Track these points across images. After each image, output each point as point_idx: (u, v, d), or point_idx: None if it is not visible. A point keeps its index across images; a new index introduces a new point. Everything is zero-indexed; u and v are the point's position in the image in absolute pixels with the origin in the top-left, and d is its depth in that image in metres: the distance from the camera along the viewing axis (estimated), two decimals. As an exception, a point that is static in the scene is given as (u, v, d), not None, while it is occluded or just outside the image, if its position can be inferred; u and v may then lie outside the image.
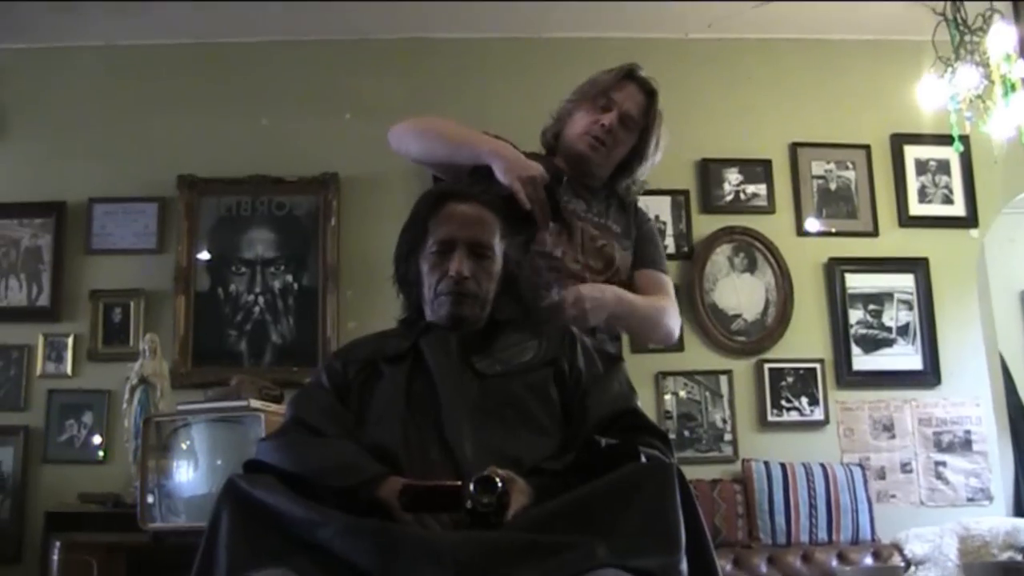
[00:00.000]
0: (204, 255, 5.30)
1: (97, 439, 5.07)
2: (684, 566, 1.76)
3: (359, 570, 1.71)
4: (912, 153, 5.59)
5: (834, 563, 4.72)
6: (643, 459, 1.97)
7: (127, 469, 4.50)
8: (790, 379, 5.31)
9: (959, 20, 4.64)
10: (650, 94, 2.99)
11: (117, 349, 5.14)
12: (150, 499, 3.79)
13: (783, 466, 4.99)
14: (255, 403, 3.76)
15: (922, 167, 5.59)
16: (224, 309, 5.24)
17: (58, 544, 3.93)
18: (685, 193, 5.47)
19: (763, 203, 5.50)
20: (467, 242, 2.30)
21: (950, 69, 4.67)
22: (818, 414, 5.29)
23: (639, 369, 4.91)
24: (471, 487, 1.86)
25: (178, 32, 5.42)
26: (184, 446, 3.84)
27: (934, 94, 4.90)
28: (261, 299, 5.24)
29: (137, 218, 5.33)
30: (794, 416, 5.29)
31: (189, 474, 3.81)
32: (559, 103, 3.03)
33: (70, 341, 5.18)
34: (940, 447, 5.29)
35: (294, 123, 5.42)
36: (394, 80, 5.47)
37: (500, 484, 1.87)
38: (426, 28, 5.48)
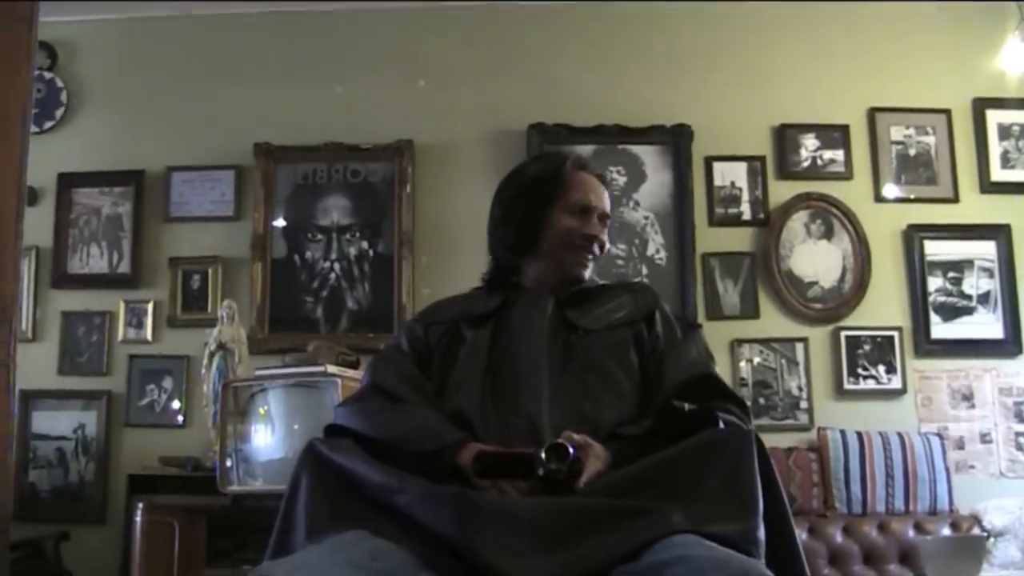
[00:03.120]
0: (280, 222, 5.35)
1: (176, 404, 5.15)
2: (761, 533, 1.75)
3: (438, 536, 1.72)
4: (995, 118, 5.46)
5: (911, 533, 4.67)
6: (721, 425, 1.96)
7: (206, 433, 4.57)
8: (867, 347, 5.24)
9: (1046, -19, 4.54)
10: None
11: (196, 315, 5.21)
12: (229, 463, 3.85)
13: (859, 435, 4.94)
14: (332, 369, 3.79)
15: (1005, 132, 5.47)
16: (300, 276, 5.29)
17: (141, 506, 4.01)
18: (761, 159, 5.41)
19: (840, 169, 5.42)
20: (600, 211, 2.40)
21: (1036, 31, 4.58)
22: (895, 383, 5.22)
23: (715, 336, 4.85)
24: (543, 454, 1.87)
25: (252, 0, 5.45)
26: (262, 411, 3.89)
27: (1019, 57, 4.81)
28: (337, 266, 5.28)
29: (214, 186, 5.39)
30: (871, 384, 5.22)
31: (267, 438, 3.85)
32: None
33: (150, 307, 5.27)
34: (1021, 417, 5.20)
35: (369, 90, 5.44)
36: (467, 46, 5.48)
37: (572, 451, 1.87)
38: (500, -7, 5.48)
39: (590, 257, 2.38)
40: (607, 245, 2.43)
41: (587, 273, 2.39)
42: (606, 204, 2.42)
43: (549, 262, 2.35)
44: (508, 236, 2.41)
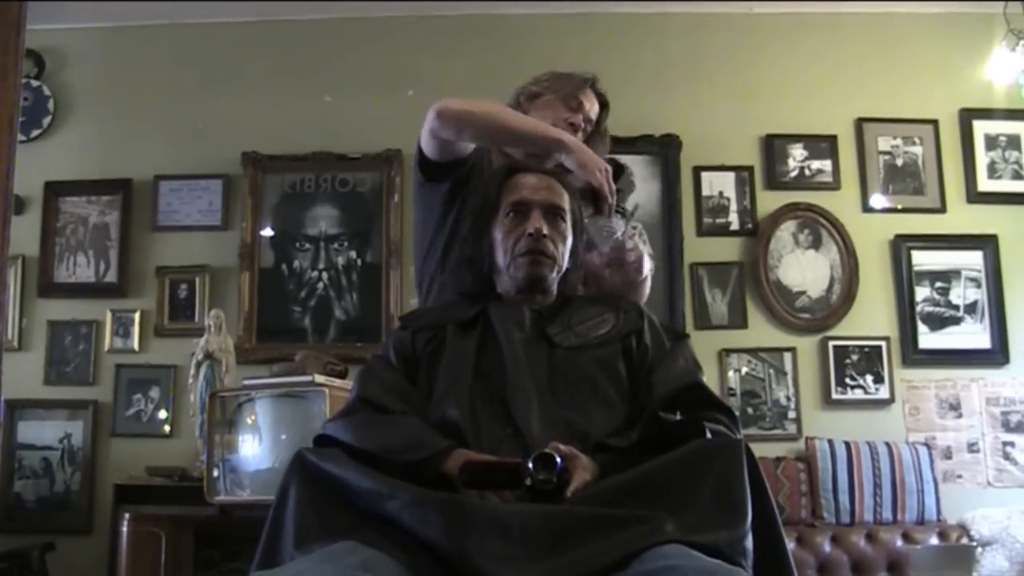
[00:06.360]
0: (268, 231, 5.35)
1: (163, 414, 5.14)
2: (749, 542, 1.74)
3: (427, 542, 1.70)
4: (981, 128, 5.48)
5: (899, 543, 4.68)
6: (708, 435, 1.96)
7: (193, 443, 4.56)
8: (855, 357, 5.25)
9: (1032, -9, 4.57)
10: (604, 106, 2.93)
11: (183, 325, 5.20)
12: (216, 473, 3.83)
13: (847, 444, 4.95)
14: (319, 378, 3.78)
15: (991, 142, 5.49)
16: (288, 285, 5.28)
17: (127, 516, 3.99)
18: (749, 169, 5.43)
19: (828, 179, 5.44)
20: (542, 204, 2.30)
21: (1022, 42, 4.59)
22: (883, 392, 5.23)
23: (703, 345, 4.89)
24: (530, 464, 1.86)
25: (242, 10, 5.44)
26: (249, 421, 3.88)
27: (1005, 67, 4.83)
28: (325, 275, 5.28)
29: (202, 195, 5.38)
30: (859, 394, 5.23)
31: (254, 448, 3.84)
32: (522, 84, 2.96)
33: (137, 317, 5.25)
34: (1008, 427, 5.22)
35: (357, 100, 5.45)
36: (457, 57, 5.48)
37: (559, 461, 1.86)
38: (489, 4, 5.46)
39: (542, 257, 2.28)
40: (566, 236, 2.33)
41: (551, 273, 2.30)
42: (553, 196, 2.33)
43: (512, 275, 2.30)
44: (469, 264, 2.41)
